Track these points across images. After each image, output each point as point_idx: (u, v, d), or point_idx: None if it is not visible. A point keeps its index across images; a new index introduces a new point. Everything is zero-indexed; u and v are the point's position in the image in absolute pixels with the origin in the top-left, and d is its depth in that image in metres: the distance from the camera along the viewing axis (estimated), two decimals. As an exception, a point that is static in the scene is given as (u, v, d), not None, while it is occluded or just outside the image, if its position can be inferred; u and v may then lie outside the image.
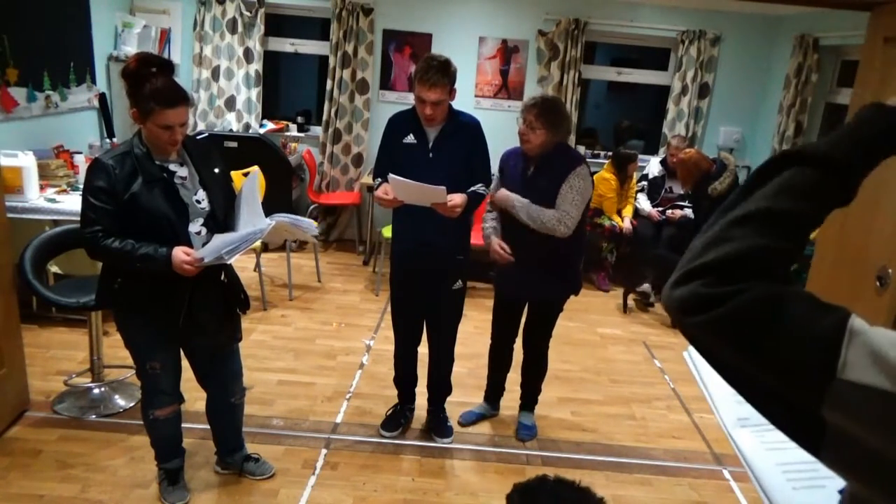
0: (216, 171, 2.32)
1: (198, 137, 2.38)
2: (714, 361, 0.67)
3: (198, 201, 2.24)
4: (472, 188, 2.71)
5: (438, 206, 2.60)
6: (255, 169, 2.48)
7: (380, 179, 2.77)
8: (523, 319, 3.09)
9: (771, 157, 0.73)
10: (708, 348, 0.67)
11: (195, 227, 2.22)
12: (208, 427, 2.67)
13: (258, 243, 2.46)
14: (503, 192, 2.82)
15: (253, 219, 2.27)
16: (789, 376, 0.62)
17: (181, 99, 2.10)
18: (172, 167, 2.20)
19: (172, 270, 2.11)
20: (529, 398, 3.21)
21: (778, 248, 0.67)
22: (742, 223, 0.68)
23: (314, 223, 2.42)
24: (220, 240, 2.15)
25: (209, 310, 2.30)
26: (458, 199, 2.63)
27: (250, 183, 2.34)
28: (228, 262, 2.19)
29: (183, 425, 2.56)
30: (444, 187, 2.54)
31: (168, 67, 2.12)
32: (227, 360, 2.51)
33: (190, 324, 2.25)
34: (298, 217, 2.36)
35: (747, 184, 0.73)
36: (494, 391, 3.28)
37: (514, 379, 3.25)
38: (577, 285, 2.95)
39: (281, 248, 4.86)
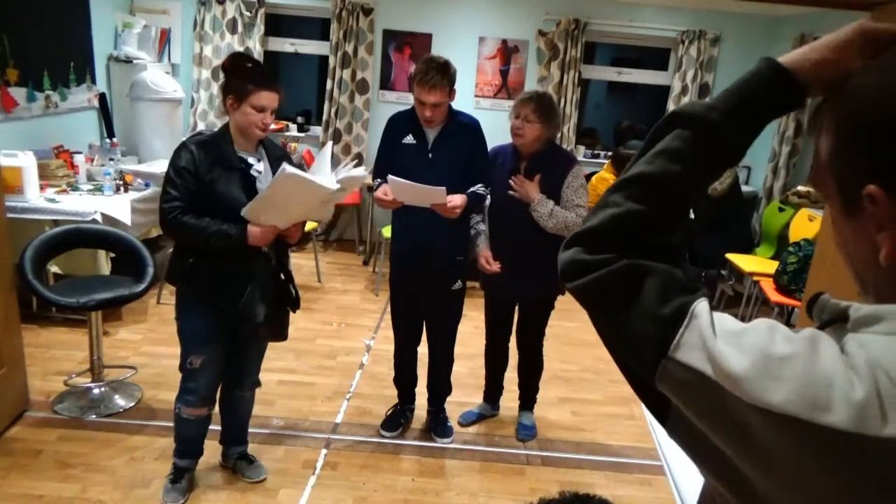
0: None
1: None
2: (593, 322, 0.71)
3: None
4: (472, 188, 2.71)
5: (438, 206, 2.60)
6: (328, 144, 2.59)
7: (379, 180, 2.77)
8: (516, 317, 3.09)
9: (662, 118, 0.73)
10: (587, 310, 0.71)
11: None
12: (214, 428, 2.68)
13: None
14: (528, 185, 2.75)
15: (321, 175, 2.32)
16: (634, 348, 0.66)
17: (274, 84, 2.26)
18: (251, 160, 2.32)
19: (245, 247, 2.21)
20: (528, 397, 3.21)
21: (652, 213, 0.69)
22: (621, 188, 0.70)
23: (361, 169, 2.47)
24: (283, 166, 2.20)
25: (263, 301, 2.35)
26: (457, 199, 2.62)
27: (323, 154, 2.42)
28: (287, 170, 2.14)
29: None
30: (443, 188, 2.54)
31: (260, 65, 2.36)
32: (247, 352, 2.55)
33: (244, 313, 2.31)
34: (344, 168, 2.38)
35: (642, 147, 0.73)
36: (493, 391, 3.28)
37: (512, 379, 3.25)
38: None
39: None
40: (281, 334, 2.52)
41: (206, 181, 2.21)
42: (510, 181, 2.77)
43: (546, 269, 2.86)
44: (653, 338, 0.63)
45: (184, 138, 2.34)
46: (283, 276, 2.47)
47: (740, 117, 0.69)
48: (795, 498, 0.56)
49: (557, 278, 2.84)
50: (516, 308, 3.06)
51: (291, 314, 2.55)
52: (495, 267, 2.83)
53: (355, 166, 2.40)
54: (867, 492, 0.53)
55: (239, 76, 2.23)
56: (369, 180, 3.43)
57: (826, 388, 0.54)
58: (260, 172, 2.34)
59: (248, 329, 2.40)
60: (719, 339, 0.59)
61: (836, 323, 0.64)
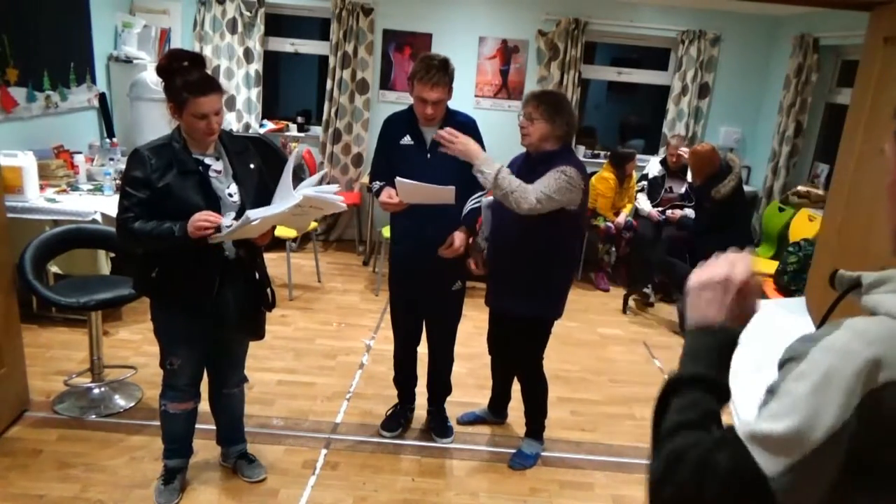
0: (251, 166, 2.36)
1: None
2: None
3: (230, 194, 2.28)
4: (469, 205, 2.72)
5: (446, 251, 2.66)
6: (297, 148, 2.37)
7: (378, 182, 2.76)
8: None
9: (663, 390, 0.90)
10: None
11: (227, 220, 2.24)
12: (211, 427, 2.68)
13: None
14: (464, 139, 2.45)
15: (284, 196, 2.24)
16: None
17: (213, 87, 2.15)
18: (208, 161, 2.26)
19: (192, 243, 2.12)
20: (529, 423, 3.02)
21: (702, 437, 0.82)
22: (674, 432, 0.88)
23: (340, 196, 2.33)
24: (246, 214, 2.16)
25: (237, 304, 2.34)
26: (457, 241, 2.67)
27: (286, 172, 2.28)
28: (253, 221, 2.11)
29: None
30: (452, 188, 2.52)
31: (198, 60, 2.20)
32: (229, 350, 2.54)
33: (217, 316, 2.30)
34: (322, 188, 2.29)
35: (659, 404, 0.91)
36: (497, 400, 3.23)
37: (516, 388, 3.19)
38: (558, 308, 2.77)
39: (281, 248, 4.86)
40: (257, 333, 2.50)
41: (159, 188, 2.13)
42: (436, 133, 2.48)
43: (538, 288, 2.69)
44: (746, 491, 0.73)
45: (136, 147, 2.23)
46: (257, 277, 2.43)
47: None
48: None
49: (551, 298, 2.71)
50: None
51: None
52: (479, 270, 2.82)
53: (328, 183, 2.29)
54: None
55: (176, 80, 2.12)
56: (367, 178, 3.41)
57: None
58: (219, 172, 2.27)
59: (226, 330, 2.39)
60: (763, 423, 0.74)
61: (853, 290, 0.85)
